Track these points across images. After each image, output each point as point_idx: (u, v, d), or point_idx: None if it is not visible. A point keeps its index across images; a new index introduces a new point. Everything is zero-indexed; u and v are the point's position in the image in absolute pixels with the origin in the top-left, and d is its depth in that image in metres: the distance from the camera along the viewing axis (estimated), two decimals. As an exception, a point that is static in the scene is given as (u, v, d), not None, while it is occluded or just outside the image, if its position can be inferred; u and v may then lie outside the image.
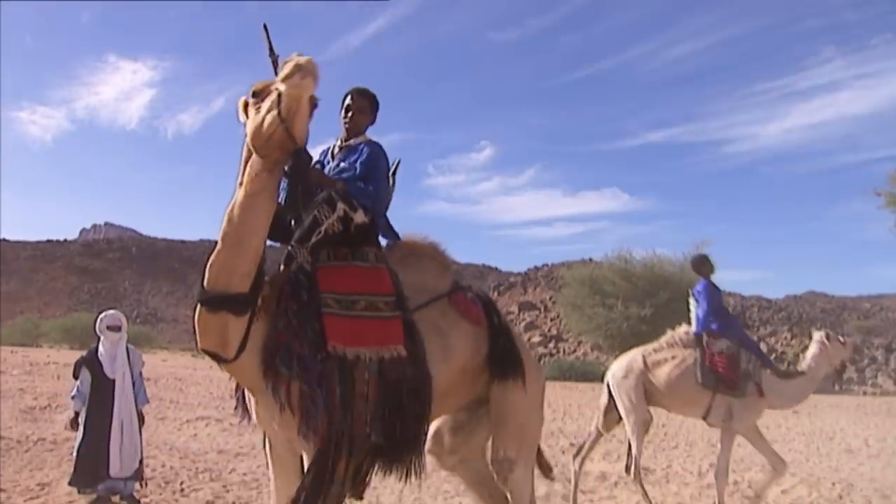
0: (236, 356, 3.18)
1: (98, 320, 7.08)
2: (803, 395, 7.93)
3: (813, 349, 7.98)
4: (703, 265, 8.13)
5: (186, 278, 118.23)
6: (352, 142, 4.01)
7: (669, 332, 8.10)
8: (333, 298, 3.42)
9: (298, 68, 2.88)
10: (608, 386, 8.08)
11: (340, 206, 3.60)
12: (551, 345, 64.08)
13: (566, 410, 19.49)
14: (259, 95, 3.10)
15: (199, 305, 3.13)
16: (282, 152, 3.09)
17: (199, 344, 3.20)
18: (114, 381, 6.87)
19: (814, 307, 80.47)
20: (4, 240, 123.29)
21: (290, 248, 3.60)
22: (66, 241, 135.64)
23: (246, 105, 3.22)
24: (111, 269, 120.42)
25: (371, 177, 3.80)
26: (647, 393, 7.77)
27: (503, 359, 4.06)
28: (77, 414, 6.89)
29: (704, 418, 7.63)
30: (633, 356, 8.00)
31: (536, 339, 65.83)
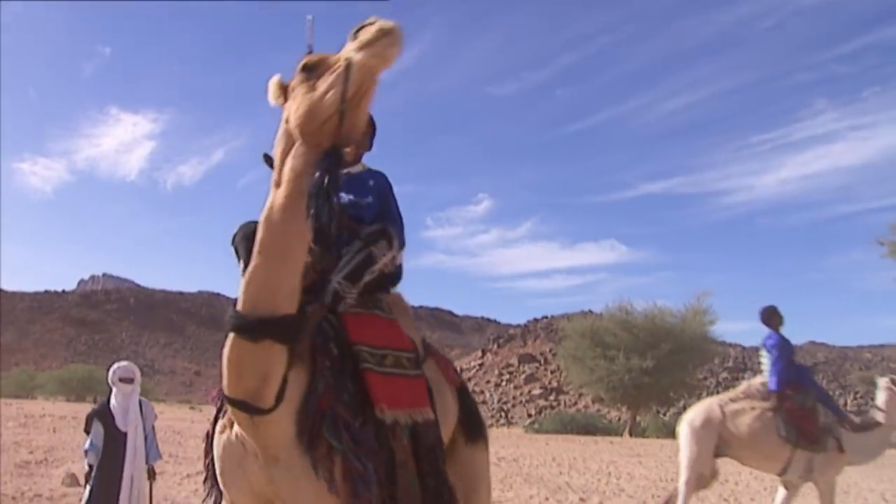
0: (276, 405, 2.49)
1: (111, 371, 6.96)
2: (882, 448, 7.73)
3: (882, 396, 7.80)
4: (771, 317, 7.96)
5: (184, 330, 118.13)
6: (352, 170, 3.46)
7: (745, 382, 7.98)
8: (368, 352, 2.91)
9: (384, 33, 2.22)
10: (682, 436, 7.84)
11: (397, 242, 3.19)
12: (552, 397, 63.72)
13: (571, 464, 19.18)
14: (313, 71, 2.43)
15: (233, 336, 2.43)
16: (332, 142, 2.41)
17: (228, 389, 2.48)
18: (125, 434, 6.72)
19: (815, 357, 79.98)
20: (2, 290, 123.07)
21: (336, 284, 2.97)
22: (63, 291, 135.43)
23: (282, 86, 2.62)
24: (109, 321, 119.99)
25: (388, 214, 3.43)
26: (723, 443, 7.56)
27: (473, 419, 3.75)
28: (91, 468, 6.71)
29: (780, 474, 7.48)
30: (710, 405, 7.78)
31: (537, 391, 65.43)
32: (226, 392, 2.50)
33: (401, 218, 3.50)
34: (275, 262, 2.45)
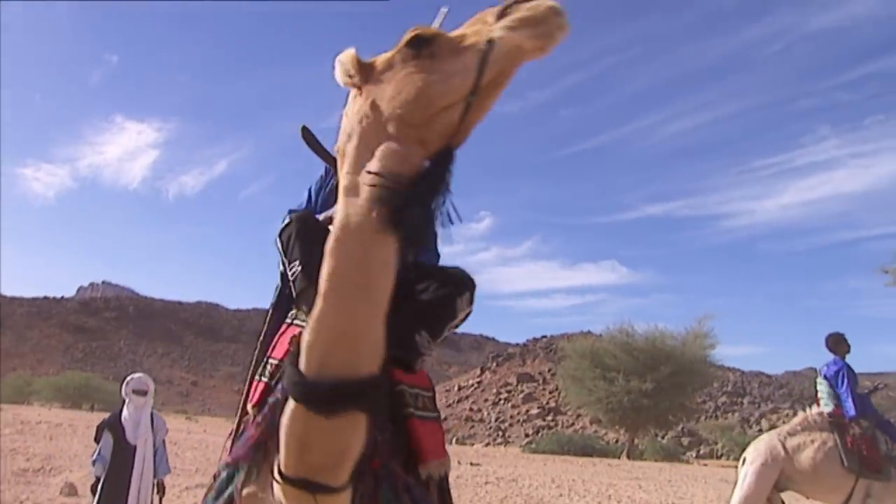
0: (349, 481, 1.86)
1: (124, 383, 6.96)
2: None
3: None
4: (838, 344, 8.00)
5: (182, 339, 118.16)
6: None
7: (802, 414, 7.97)
8: (409, 392, 2.44)
9: (553, 13, 1.67)
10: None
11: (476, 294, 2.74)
12: (549, 417, 63.49)
13: (571, 486, 19.07)
14: (426, 47, 1.77)
15: (297, 407, 1.71)
16: (442, 143, 1.78)
17: (287, 467, 1.77)
18: (135, 446, 6.69)
19: (814, 384, 79.90)
20: (1, 295, 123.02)
21: (418, 337, 2.47)
22: (63, 298, 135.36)
23: (362, 63, 1.89)
24: (107, 328, 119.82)
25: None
26: (785, 478, 7.58)
27: None
28: (98, 479, 6.67)
29: None
30: (771, 442, 7.77)
31: (535, 410, 65.22)
32: (282, 469, 1.79)
33: (437, 248, 3.02)
34: (354, 302, 1.72)
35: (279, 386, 2.31)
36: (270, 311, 2.80)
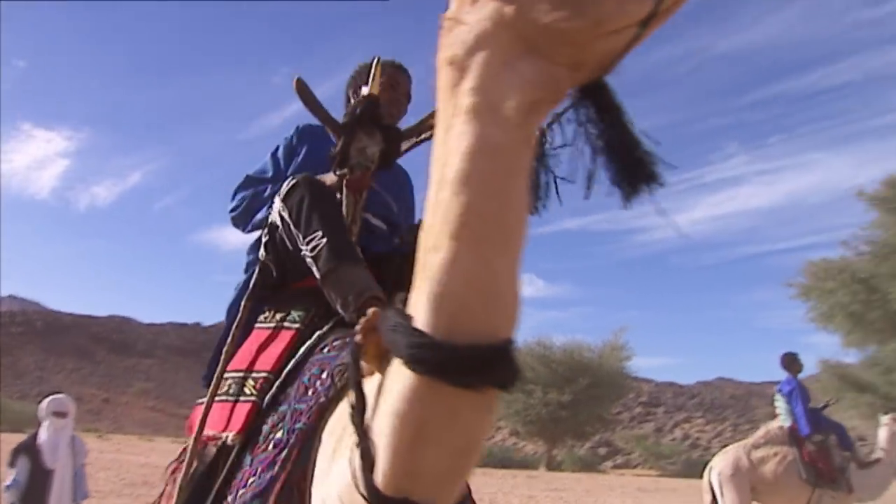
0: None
1: (43, 404, 6.73)
2: (886, 484, 8.23)
3: (883, 434, 8.38)
4: (792, 363, 8.54)
5: (94, 355, 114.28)
6: None
7: (764, 428, 8.46)
8: None
9: None
10: (712, 484, 8.22)
11: None
12: (469, 429, 63.88)
13: (491, 499, 19.29)
14: None
15: (419, 378, 1.14)
16: (594, 72, 1.30)
17: (390, 476, 1.19)
18: (53, 471, 6.51)
19: (723, 393, 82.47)
20: None
21: None
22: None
23: None
24: (12, 344, 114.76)
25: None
26: (750, 488, 8.02)
27: None
28: None
29: None
30: (737, 454, 8.19)
31: (455, 423, 65.55)
32: (380, 483, 1.21)
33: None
34: (491, 244, 1.26)
35: (293, 406, 1.95)
36: (240, 312, 2.37)
